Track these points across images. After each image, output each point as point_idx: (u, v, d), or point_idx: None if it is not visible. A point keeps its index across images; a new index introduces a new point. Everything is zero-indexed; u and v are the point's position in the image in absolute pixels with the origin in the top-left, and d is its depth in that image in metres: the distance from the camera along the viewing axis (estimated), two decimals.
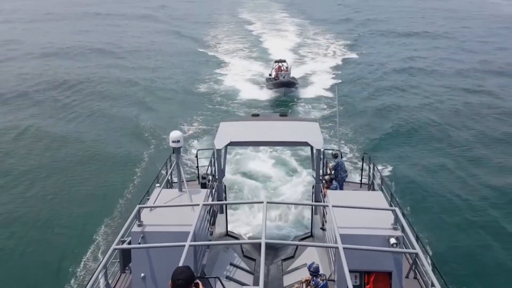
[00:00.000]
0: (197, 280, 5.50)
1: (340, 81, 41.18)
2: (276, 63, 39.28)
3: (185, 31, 70.76)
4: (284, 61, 39.89)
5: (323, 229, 12.07)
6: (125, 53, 54.10)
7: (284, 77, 36.14)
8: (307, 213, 16.31)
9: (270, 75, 38.69)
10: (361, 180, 16.35)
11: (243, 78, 42.98)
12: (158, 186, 11.94)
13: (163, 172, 14.40)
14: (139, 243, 9.35)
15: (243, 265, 13.08)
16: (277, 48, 55.89)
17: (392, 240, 8.99)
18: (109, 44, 58.61)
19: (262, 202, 9.11)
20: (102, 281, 9.25)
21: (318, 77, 43.32)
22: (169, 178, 13.49)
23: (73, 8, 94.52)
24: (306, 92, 37.88)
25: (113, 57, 51.70)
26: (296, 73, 41.31)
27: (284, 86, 35.77)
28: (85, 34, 65.54)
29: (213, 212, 12.98)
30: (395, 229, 9.29)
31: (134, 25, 75.23)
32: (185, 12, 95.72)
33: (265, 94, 37.04)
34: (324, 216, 12.04)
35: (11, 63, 48.23)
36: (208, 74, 44.97)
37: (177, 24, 78.25)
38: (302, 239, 15.18)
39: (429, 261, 9.85)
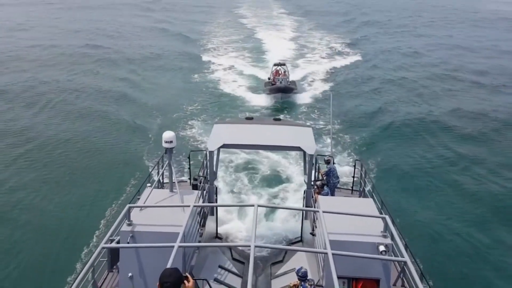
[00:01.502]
0: (186, 274, 5.47)
1: (336, 84, 41.33)
2: (275, 66, 38.64)
3: (178, 27, 70.56)
4: (284, 64, 39.15)
5: (313, 234, 12.08)
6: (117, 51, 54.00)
7: (281, 82, 35.65)
8: (298, 217, 16.32)
9: (269, 78, 38.06)
10: (352, 187, 16.41)
11: (241, 81, 42.52)
12: (149, 186, 11.90)
13: (155, 172, 14.35)
14: (128, 243, 9.31)
15: (231, 268, 13.05)
16: (276, 47, 55.68)
17: (381, 248, 9.02)
18: (101, 42, 58.37)
19: (253, 205, 9.11)
20: (89, 280, 9.19)
21: (316, 79, 43.09)
22: (161, 178, 13.46)
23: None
24: (303, 97, 37.50)
25: (102, 55, 51.47)
26: (294, 75, 40.83)
27: (281, 91, 35.25)
28: (76, 28, 65.31)
29: (204, 214, 12.96)
30: (384, 236, 9.33)
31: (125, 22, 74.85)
32: (177, 6, 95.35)
33: (262, 99, 36.59)
34: (314, 221, 12.05)
35: None
36: (205, 77, 44.28)
37: (170, 19, 78.17)
38: (292, 244, 15.18)
39: (418, 270, 9.90)
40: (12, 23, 69.87)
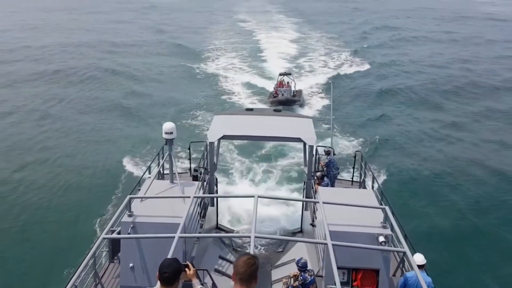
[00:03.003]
0: (187, 262, 5.49)
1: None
2: (280, 76, 36.67)
3: (178, 33, 70.11)
4: (289, 74, 37.31)
5: (313, 225, 12.11)
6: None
7: (283, 94, 34.27)
8: (298, 208, 16.37)
9: (274, 88, 36.32)
10: (352, 178, 16.44)
11: (244, 93, 39.96)
12: (150, 177, 11.91)
13: (155, 163, 14.35)
14: (129, 233, 9.34)
15: (232, 258, 13.11)
16: (279, 53, 54.71)
17: (381, 238, 9.05)
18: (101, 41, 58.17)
19: (253, 196, 9.11)
20: (90, 270, 9.24)
21: (317, 82, 41.72)
22: (161, 169, 13.47)
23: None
24: (307, 108, 35.21)
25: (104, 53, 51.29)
26: (299, 84, 38.44)
27: (282, 104, 32.75)
28: (75, 29, 65.13)
29: (204, 205, 12.99)
30: (384, 227, 9.36)
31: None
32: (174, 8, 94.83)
33: None
34: (314, 212, 12.08)
35: None
36: (207, 88, 41.09)
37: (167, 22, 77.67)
38: (292, 235, 15.24)
39: None
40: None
